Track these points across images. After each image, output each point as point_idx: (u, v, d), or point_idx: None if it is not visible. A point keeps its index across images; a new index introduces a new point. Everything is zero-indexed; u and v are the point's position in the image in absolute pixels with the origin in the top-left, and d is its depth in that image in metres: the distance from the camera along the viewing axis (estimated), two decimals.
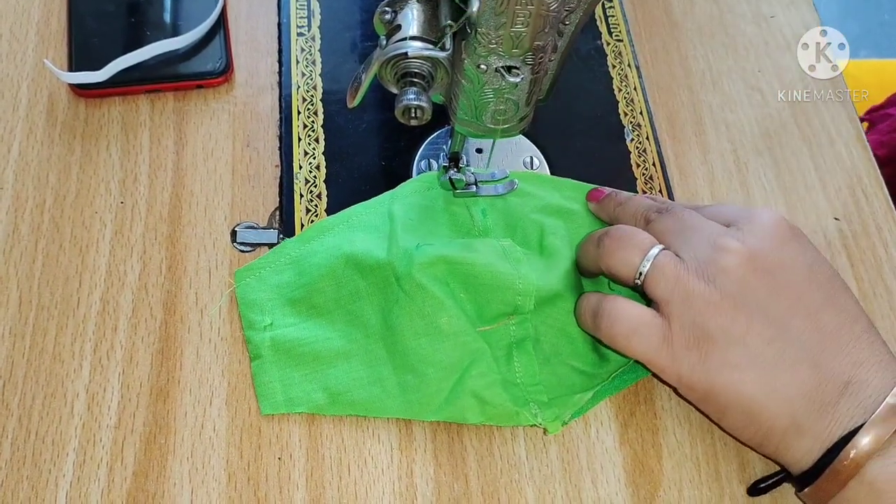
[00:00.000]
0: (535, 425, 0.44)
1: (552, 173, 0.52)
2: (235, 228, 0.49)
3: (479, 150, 0.52)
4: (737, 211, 0.44)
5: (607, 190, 0.50)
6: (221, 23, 0.55)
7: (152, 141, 0.52)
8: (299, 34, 0.56)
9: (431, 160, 0.52)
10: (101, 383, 0.44)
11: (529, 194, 0.50)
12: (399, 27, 0.39)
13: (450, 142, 0.48)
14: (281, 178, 0.51)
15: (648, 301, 0.43)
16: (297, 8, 0.57)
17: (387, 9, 0.40)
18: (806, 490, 0.40)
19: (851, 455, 0.37)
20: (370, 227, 0.48)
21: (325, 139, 0.52)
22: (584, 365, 0.46)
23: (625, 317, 0.41)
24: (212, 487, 0.42)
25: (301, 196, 0.50)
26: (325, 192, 0.50)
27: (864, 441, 0.37)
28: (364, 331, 0.46)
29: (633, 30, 0.60)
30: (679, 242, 0.43)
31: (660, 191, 0.53)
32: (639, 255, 0.42)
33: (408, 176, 0.51)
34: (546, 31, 0.38)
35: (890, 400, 0.38)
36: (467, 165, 0.50)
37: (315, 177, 0.51)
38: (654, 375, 0.44)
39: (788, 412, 0.39)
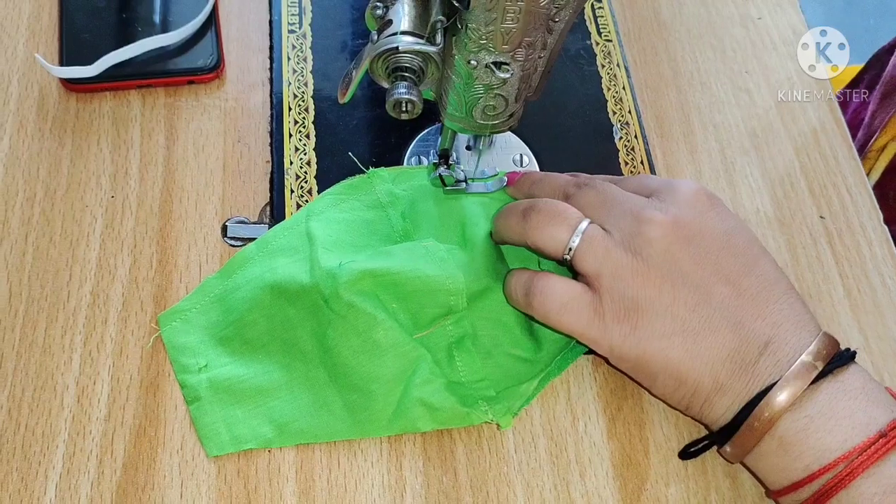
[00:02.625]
0: (487, 422, 0.44)
1: (541, 171, 0.53)
2: (226, 223, 0.49)
3: (468, 147, 0.52)
4: (657, 182, 0.45)
5: (522, 171, 0.50)
6: (213, 19, 0.55)
7: (143, 136, 0.52)
8: (290, 31, 0.56)
9: (422, 156, 0.52)
10: (91, 376, 0.44)
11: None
12: (390, 22, 0.40)
13: (440, 138, 0.49)
14: (272, 173, 0.51)
15: (575, 274, 0.43)
16: (288, 5, 0.57)
17: (378, 4, 0.40)
18: (726, 446, 0.41)
19: (765, 411, 0.39)
20: (289, 249, 0.47)
21: (315, 135, 0.52)
22: (524, 352, 0.46)
23: (556, 293, 0.42)
24: (201, 480, 0.42)
25: (292, 192, 0.50)
26: (315, 188, 0.50)
27: (778, 397, 0.39)
28: (302, 358, 0.45)
29: (623, 30, 0.61)
30: (603, 215, 0.43)
31: None
32: (567, 230, 0.42)
33: None
34: (536, 27, 0.39)
35: (804, 358, 0.39)
36: (457, 162, 0.51)
37: (306, 172, 0.51)
38: (580, 344, 0.45)
39: (711, 374, 0.40)
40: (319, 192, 0.50)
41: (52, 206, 0.49)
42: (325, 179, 0.51)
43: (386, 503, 0.43)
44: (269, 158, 0.52)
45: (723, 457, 0.42)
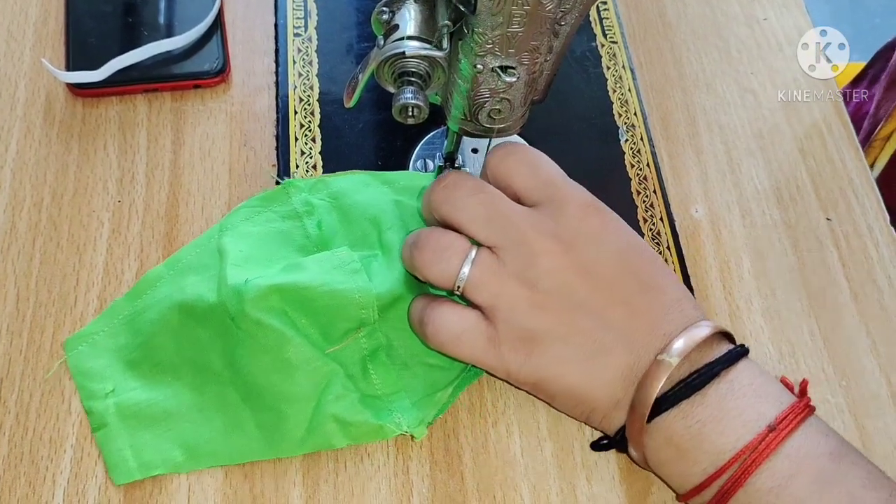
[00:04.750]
0: (402, 434, 0.43)
1: None
2: None
3: (474, 151, 0.52)
4: (546, 185, 0.43)
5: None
6: (218, 23, 0.55)
7: (150, 140, 0.52)
8: (296, 35, 0.56)
9: (427, 160, 0.52)
10: None
11: (365, 191, 0.49)
12: (396, 27, 0.40)
13: (445, 142, 0.49)
14: (278, 177, 0.51)
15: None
16: (293, 9, 0.57)
17: (384, 9, 0.40)
18: (630, 449, 0.42)
19: (637, 408, 0.40)
20: (200, 267, 0.46)
21: (321, 139, 0.52)
22: (440, 360, 0.45)
23: (448, 324, 0.41)
24: (208, 484, 0.42)
25: None
26: None
27: (641, 393, 0.39)
28: (214, 379, 0.44)
29: (628, 32, 0.60)
30: (492, 236, 0.41)
31: (654, 191, 0.53)
32: (455, 265, 0.41)
33: None
34: (542, 31, 0.38)
35: (660, 356, 0.40)
36: (463, 166, 0.51)
37: (312, 176, 0.51)
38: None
39: (608, 393, 0.41)
40: None
41: (59, 210, 0.49)
42: None
43: None
44: (275, 162, 0.52)
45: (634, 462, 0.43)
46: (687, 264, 0.51)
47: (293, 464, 0.43)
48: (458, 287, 0.41)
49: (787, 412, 0.39)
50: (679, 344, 0.40)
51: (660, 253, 0.51)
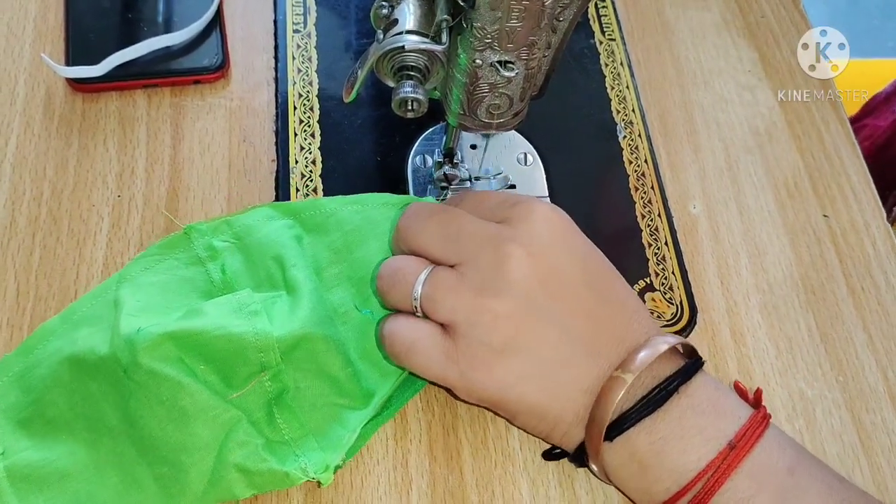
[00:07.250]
0: (310, 480, 0.41)
1: (545, 170, 0.53)
2: None
3: (473, 147, 0.53)
4: (510, 205, 0.43)
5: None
6: (218, 19, 0.56)
7: (149, 135, 0.52)
8: (295, 31, 0.56)
9: (426, 155, 0.52)
10: None
11: (268, 225, 0.48)
12: (396, 21, 0.40)
13: (444, 138, 0.49)
14: (277, 172, 0.51)
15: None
16: (293, 5, 0.57)
17: (384, 3, 0.40)
18: (591, 465, 0.41)
19: (595, 424, 0.39)
20: (94, 319, 0.45)
21: (321, 134, 0.53)
22: (351, 401, 0.43)
23: (402, 334, 0.41)
24: None
25: (297, 190, 0.50)
26: (321, 187, 0.51)
27: (598, 410, 0.39)
28: (109, 434, 0.41)
29: (626, 29, 0.61)
30: (451, 254, 0.41)
31: (651, 188, 0.54)
32: (409, 284, 0.41)
33: (403, 172, 0.52)
34: (540, 26, 0.39)
35: (615, 373, 0.39)
36: (462, 162, 0.51)
37: (311, 172, 0.51)
38: (406, 387, 0.45)
39: (572, 408, 0.40)
40: (325, 190, 0.50)
41: (58, 205, 0.49)
42: (331, 178, 0.51)
43: (392, 501, 0.43)
44: (275, 157, 0.52)
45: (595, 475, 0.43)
46: (685, 260, 0.51)
47: None
48: (416, 307, 0.41)
49: (745, 428, 0.39)
50: (642, 357, 0.39)
51: (658, 249, 0.51)
